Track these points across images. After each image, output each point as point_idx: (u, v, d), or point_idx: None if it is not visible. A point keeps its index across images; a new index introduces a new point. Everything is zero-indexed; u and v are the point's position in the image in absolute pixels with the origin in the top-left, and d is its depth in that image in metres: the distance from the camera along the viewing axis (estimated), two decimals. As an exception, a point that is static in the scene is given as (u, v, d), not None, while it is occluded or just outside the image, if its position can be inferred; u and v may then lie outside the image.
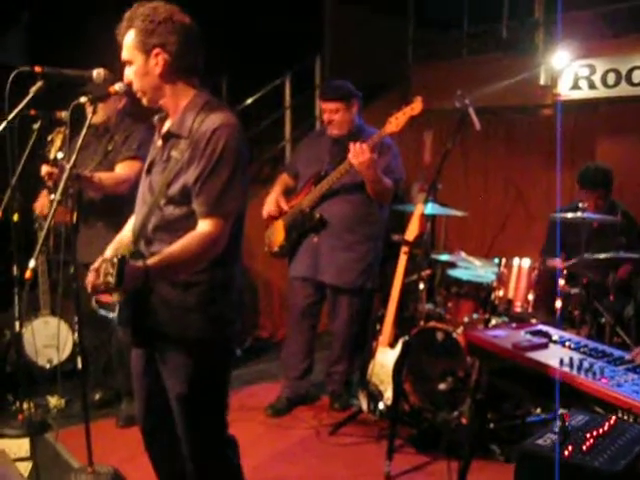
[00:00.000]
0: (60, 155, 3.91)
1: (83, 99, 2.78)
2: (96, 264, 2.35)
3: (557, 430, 1.57)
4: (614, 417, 1.68)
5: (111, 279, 2.19)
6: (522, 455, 1.54)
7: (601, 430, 1.61)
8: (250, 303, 6.43)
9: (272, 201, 4.61)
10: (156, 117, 2.68)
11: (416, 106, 4.01)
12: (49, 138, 4.05)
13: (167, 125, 2.60)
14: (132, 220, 2.77)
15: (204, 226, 2.44)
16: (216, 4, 6.74)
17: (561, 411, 1.59)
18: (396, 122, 4.05)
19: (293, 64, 7.22)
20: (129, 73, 2.53)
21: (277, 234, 4.58)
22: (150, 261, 2.35)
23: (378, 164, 4.20)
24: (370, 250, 4.51)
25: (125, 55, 2.51)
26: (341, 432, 4.34)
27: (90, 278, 2.35)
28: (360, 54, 7.40)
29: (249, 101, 7.13)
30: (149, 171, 2.62)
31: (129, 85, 2.55)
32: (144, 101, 2.56)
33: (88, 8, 6.13)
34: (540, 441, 1.57)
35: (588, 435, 1.58)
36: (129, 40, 2.48)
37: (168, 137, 2.55)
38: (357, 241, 4.46)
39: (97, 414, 4.34)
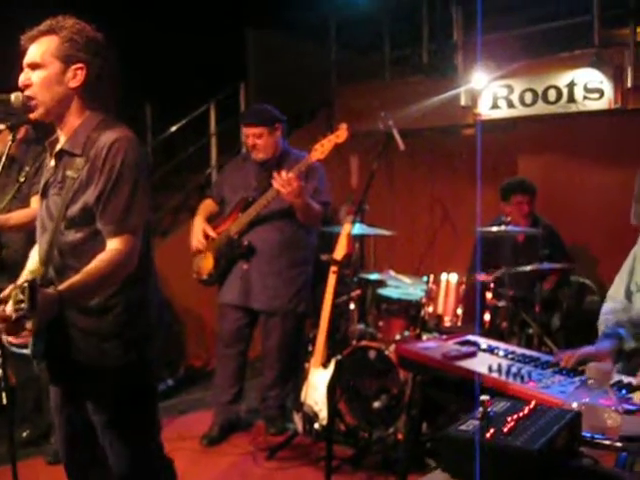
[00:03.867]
0: None
1: (1, 126, 2.63)
2: (2, 294, 2.24)
3: (479, 416, 1.61)
4: (534, 401, 1.73)
5: (23, 305, 2.06)
6: (446, 440, 1.59)
7: (522, 413, 1.66)
8: (180, 332, 6.34)
9: (199, 231, 4.54)
10: (47, 141, 2.59)
11: (341, 134, 4.07)
12: None
13: (60, 144, 2.52)
14: (35, 251, 2.67)
15: (113, 245, 2.37)
16: (138, 32, 6.72)
17: (482, 397, 1.64)
18: (322, 149, 4.10)
19: (217, 91, 7.22)
20: (32, 77, 2.42)
21: (206, 261, 4.52)
22: (62, 286, 2.25)
23: (306, 190, 4.20)
24: (300, 274, 4.51)
25: (34, 58, 2.42)
26: (278, 456, 4.30)
27: None
28: (284, 79, 7.43)
29: (174, 129, 7.11)
30: (45, 194, 2.53)
31: (25, 87, 2.42)
32: (39, 111, 2.42)
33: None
34: (463, 427, 1.62)
35: (509, 419, 1.63)
36: (47, 46, 2.41)
37: (61, 156, 2.48)
38: (287, 266, 4.46)
39: (24, 453, 4.19)
